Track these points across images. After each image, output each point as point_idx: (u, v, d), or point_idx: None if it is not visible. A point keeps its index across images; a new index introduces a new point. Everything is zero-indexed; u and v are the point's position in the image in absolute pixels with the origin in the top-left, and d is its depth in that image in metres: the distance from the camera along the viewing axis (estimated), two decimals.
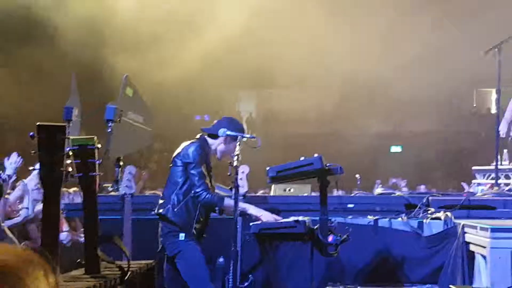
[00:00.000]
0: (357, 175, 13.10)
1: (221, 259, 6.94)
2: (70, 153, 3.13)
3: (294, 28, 12.57)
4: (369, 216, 7.79)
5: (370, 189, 10.75)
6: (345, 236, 6.94)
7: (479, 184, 11.10)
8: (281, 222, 7.19)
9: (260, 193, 9.67)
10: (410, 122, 14.74)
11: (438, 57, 13.66)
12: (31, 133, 2.94)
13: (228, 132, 6.99)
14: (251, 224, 7.08)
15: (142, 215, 7.53)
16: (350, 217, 7.72)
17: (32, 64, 13.17)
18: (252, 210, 7.06)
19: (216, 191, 7.09)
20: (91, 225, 3.39)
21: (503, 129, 11.16)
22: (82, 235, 3.63)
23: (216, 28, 11.62)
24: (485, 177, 11.13)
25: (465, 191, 11.32)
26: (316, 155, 7.14)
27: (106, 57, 12.73)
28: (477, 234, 6.74)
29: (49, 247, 2.88)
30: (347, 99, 13.98)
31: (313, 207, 7.28)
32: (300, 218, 7.14)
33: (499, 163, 10.06)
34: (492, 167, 10.16)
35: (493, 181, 9.94)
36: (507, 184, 9.93)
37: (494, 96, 9.89)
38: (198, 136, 6.95)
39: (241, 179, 6.94)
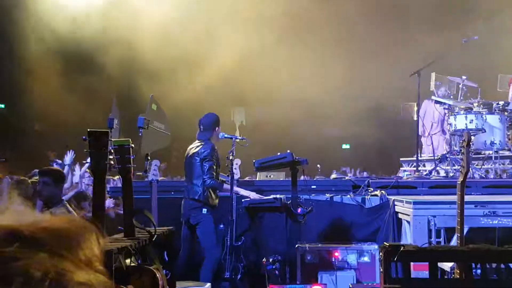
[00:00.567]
0: (318, 165, 13.12)
1: (221, 226, 6.95)
2: (112, 151, 3.13)
3: (271, 62, 12.67)
4: (327, 194, 7.79)
5: (328, 175, 10.77)
6: (310, 208, 6.98)
7: (405, 171, 11.16)
8: (264, 199, 7.22)
9: (248, 178, 9.66)
10: (355, 127, 14.75)
11: (376, 78, 13.68)
12: (84, 137, 2.95)
13: (226, 136, 7.07)
14: (242, 200, 7.11)
15: (165, 195, 7.53)
16: (313, 195, 7.69)
17: (87, 86, 13.22)
18: (243, 191, 7.11)
19: (220, 178, 7.12)
20: (128, 202, 3.38)
21: (420, 129, 11.26)
22: (122, 209, 3.63)
23: (214, 65, 11.87)
24: (409, 165, 11.19)
25: (395, 175, 11.38)
26: (288, 151, 7.21)
27: (138, 82, 12.81)
28: (403, 206, 6.76)
29: (98, 218, 2.88)
30: (309, 111, 13.98)
31: (287, 188, 7.29)
32: (278, 196, 7.18)
33: (419, 155, 10.12)
34: (414, 158, 10.21)
35: (415, 168, 10.00)
36: (424, 170, 10.00)
37: (415, 108, 9.94)
38: (202, 139, 6.99)
39: (235, 168, 6.96)
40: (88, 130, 2.95)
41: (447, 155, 9.69)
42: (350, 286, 6.31)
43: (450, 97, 10.33)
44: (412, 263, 4.06)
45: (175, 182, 9.05)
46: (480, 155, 9.79)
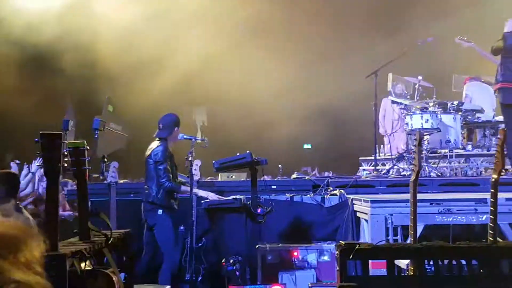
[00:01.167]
0: (279, 165, 13.17)
1: (182, 227, 6.91)
2: (66, 153, 3.09)
3: (232, 64, 12.71)
4: (286, 194, 7.81)
5: (289, 174, 10.82)
6: (269, 208, 7.01)
7: (364, 170, 11.28)
8: (223, 199, 7.22)
9: (209, 179, 9.64)
10: (317, 127, 14.85)
11: (334, 79, 13.80)
12: (36, 139, 2.90)
13: (185, 136, 7.02)
14: (202, 201, 7.10)
15: (124, 197, 7.45)
16: (273, 195, 7.71)
17: (44, 88, 13.00)
18: (201, 192, 7.10)
19: (179, 178, 7.08)
20: (83, 205, 3.35)
21: (381, 129, 11.43)
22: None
23: (177, 65, 11.84)
24: (368, 164, 11.31)
25: (354, 174, 11.51)
26: (247, 151, 7.21)
27: (96, 83, 12.65)
28: (361, 205, 6.84)
29: (51, 221, 2.85)
30: (269, 113, 14.04)
31: (247, 188, 7.28)
32: (237, 196, 7.19)
33: (377, 154, 10.24)
34: (372, 157, 10.33)
35: (373, 167, 10.12)
36: (383, 169, 10.14)
37: (372, 108, 10.05)
38: (158, 138, 6.93)
39: (195, 169, 6.95)
40: (41, 132, 2.91)
41: (404, 154, 9.87)
42: (310, 285, 6.37)
43: (407, 97, 10.53)
44: (371, 261, 4.13)
45: (135, 184, 8.95)
46: (436, 154, 9.99)
